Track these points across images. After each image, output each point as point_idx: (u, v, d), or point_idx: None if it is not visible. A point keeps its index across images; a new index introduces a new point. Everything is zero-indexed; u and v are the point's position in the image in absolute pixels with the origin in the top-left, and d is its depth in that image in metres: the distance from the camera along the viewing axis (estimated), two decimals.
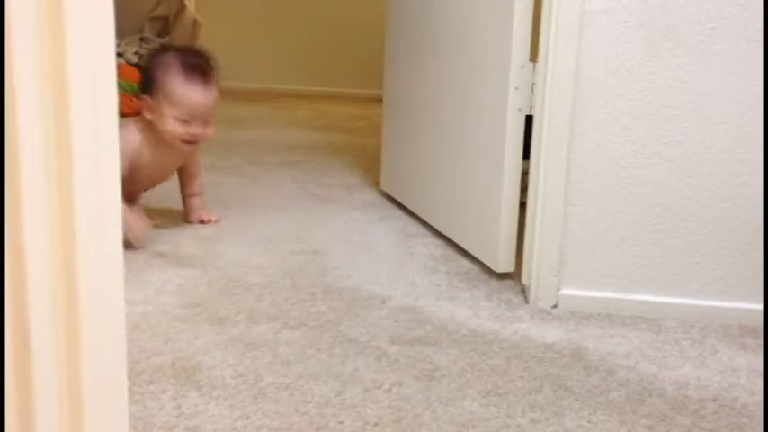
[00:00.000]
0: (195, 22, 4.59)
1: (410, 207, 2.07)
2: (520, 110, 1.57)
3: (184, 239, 1.76)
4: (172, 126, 1.73)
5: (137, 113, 3.62)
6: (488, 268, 1.64)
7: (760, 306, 1.44)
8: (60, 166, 0.53)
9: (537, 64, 1.51)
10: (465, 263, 1.71)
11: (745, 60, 1.39)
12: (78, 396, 0.58)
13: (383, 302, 1.46)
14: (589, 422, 1.06)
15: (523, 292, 1.53)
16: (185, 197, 1.93)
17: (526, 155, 1.56)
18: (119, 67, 3.44)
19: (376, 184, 2.34)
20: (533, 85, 1.53)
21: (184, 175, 1.91)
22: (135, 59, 4.37)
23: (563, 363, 1.24)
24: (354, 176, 2.52)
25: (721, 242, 1.45)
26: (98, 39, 0.54)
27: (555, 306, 1.47)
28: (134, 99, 3.49)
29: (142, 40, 4.51)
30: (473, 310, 1.45)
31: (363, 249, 1.77)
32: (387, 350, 1.25)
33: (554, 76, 1.43)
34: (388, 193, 2.23)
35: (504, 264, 1.61)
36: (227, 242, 1.76)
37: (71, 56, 0.53)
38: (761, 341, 1.37)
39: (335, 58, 4.75)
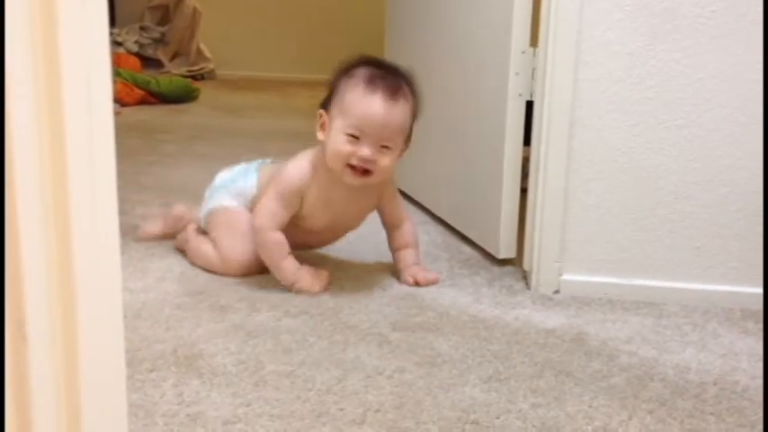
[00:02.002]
0: (195, 11, 4.57)
1: (411, 194, 2.07)
2: (520, 95, 1.56)
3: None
4: (336, 144, 1.34)
5: (137, 103, 3.61)
6: (490, 254, 1.64)
7: (761, 290, 1.44)
8: (54, 154, 0.53)
9: (537, 49, 1.50)
10: (466, 249, 1.71)
11: (745, 43, 1.38)
12: (76, 387, 0.58)
13: (384, 290, 1.45)
14: (590, 407, 1.06)
15: (525, 277, 1.53)
16: (393, 251, 1.53)
17: (527, 141, 1.56)
18: (119, 55, 3.39)
19: None
20: (534, 70, 1.52)
21: (386, 225, 1.54)
22: (135, 48, 4.37)
23: (564, 348, 1.24)
24: None
25: (722, 226, 1.44)
26: (93, 39, 0.54)
27: (556, 292, 1.47)
28: (134, 88, 3.49)
29: (142, 29, 4.51)
30: (474, 296, 1.45)
31: (364, 238, 1.77)
32: (388, 337, 1.25)
33: (554, 61, 1.42)
34: None
35: (506, 250, 1.61)
36: None
37: (65, 55, 0.52)
38: (762, 325, 1.37)
39: (335, 45, 4.73)
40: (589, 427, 1.01)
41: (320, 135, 1.40)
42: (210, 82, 4.45)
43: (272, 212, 1.40)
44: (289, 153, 2.63)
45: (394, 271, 1.54)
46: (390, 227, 1.52)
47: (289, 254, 1.40)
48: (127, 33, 4.42)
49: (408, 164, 2.09)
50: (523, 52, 1.54)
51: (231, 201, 1.52)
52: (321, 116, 1.40)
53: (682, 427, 1.02)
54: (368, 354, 1.18)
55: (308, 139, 2.87)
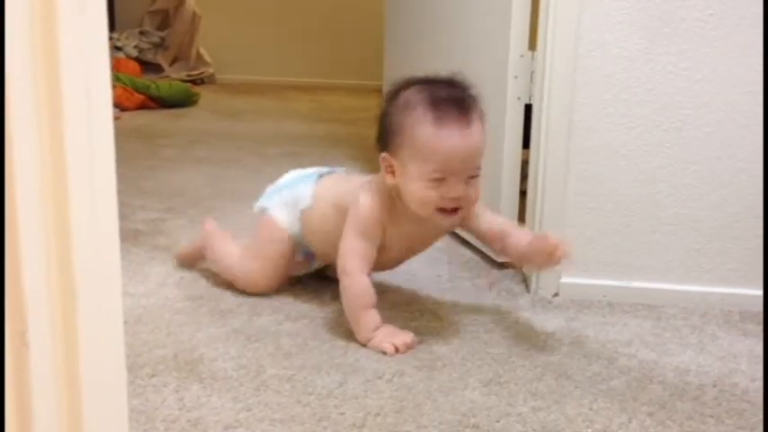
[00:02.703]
0: (195, 15, 4.58)
1: None
2: (519, 99, 1.57)
3: (185, 232, 1.76)
4: (419, 191, 1.19)
5: (137, 107, 3.61)
6: (489, 257, 1.65)
7: (760, 292, 1.44)
8: (54, 159, 0.53)
9: (536, 52, 1.50)
10: (466, 252, 1.71)
11: (743, 47, 1.38)
12: (77, 391, 0.58)
13: (383, 293, 1.46)
14: (590, 410, 1.06)
15: (524, 281, 1.54)
16: (514, 250, 1.32)
17: (526, 144, 1.56)
18: (118, 60, 3.38)
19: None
20: (532, 73, 1.53)
21: (490, 240, 1.35)
22: (134, 53, 4.38)
23: (564, 351, 1.24)
24: (356, 167, 2.52)
25: (721, 228, 1.45)
26: (92, 43, 0.54)
27: (556, 294, 1.47)
28: (134, 93, 3.49)
29: (142, 33, 4.51)
30: (474, 299, 1.45)
31: None
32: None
33: (553, 64, 1.43)
34: None
35: None
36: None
37: (64, 60, 0.53)
38: (761, 327, 1.37)
39: (335, 49, 4.74)
40: (589, 430, 1.01)
41: (390, 180, 1.23)
42: (210, 86, 4.45)
43: (359, 253, 1.25)
44: (290, 156, 2.65)
45: (391, 274, 1.54)
46: (498, 239, 1.31)
47: (372, 306, 1.25)
48: (126, 38, 4.43)
49: None
50: (522, 56, 1.55)
51: (281, 210, 1.42)
52: (385, 160, 1.23)
53: (681, 429, 1.03)
54: (368, 357, 1.18)
55: (307, 143, 2.89)
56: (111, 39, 4.09)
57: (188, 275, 1.50)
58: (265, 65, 4.77)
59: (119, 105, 3.30)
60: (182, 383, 1.08)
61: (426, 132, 1.17)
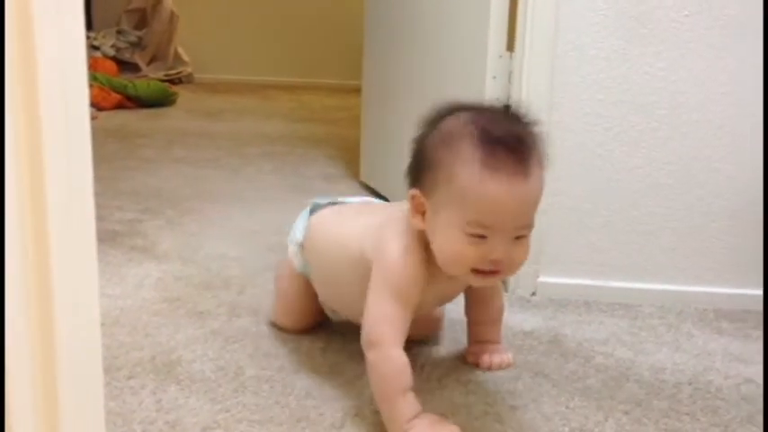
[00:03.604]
0: (173, 14, 4.56)
1: (390, 198, 2.07)
2: (497, 99, 1.57)
3: (163, 233, 1.75)
4: (453, 245, 0.96)
5: (114, 107, 3.58)
6: None
7: (735, 290, 1.46)
8: (30, 159, 0.53)
9: (514, 53, 1.51)
10: None
11: (719, 47, 1.40)
12: (53, 393, 0.58)
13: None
14: (567, 408, 1.07)
15: (503, 280, 1.54)
16: (471, 323, 1.21)
17: None
18: (95, 60, 3.35)
19: (356, 175, 2.34)
20: (510, 74, 1.53)
21: (472, 296, 1.20)
22: (112, 52, 4.34)
23: (541, 350, 1.25)
24: (336, 167, 2.52)
25: (697, 228, 1.46)
26: (69, 43, 0.54)
27: (533, 294, 1.48)
28: (111, 92, 3.47)
29: (119, 32, 4.48)
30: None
31: None
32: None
33: (531, 64, 1.44)
34: (368, 183, 2.23)
35: None
36: (207, 235, 1.76)
37: (40, 59, 0.52)
38: (736, 325, 1.39)
39: (315, 48, 4.73)
40: (566, 428, 1.02)
41: (418, 223, 1.00)
42: (188, 86, 4.43)
43: (392, 321, 1.00)
44: (270, 155, 2.64)
45: None
46: (477, 298, 1.19)
47: (408, 389, 0.99)
48: (104, 37, 4.40)
49: (387, 167, 2.10)
50: (500, 56, 1.55)
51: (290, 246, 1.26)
52: (414, 198, 1.00)
53: (657, 427, 1.04)
54: (348, 359, 1.18)
55: (287, 143, 2.88)
56: (87, 38, 4.06)
57: (165, 277, 1.49)
58: (244, 64, 4.76)
59: (96, 105, 3.28)
60: (159, 385, 1.07)
61: (471, 175, 0.93)
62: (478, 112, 0.99)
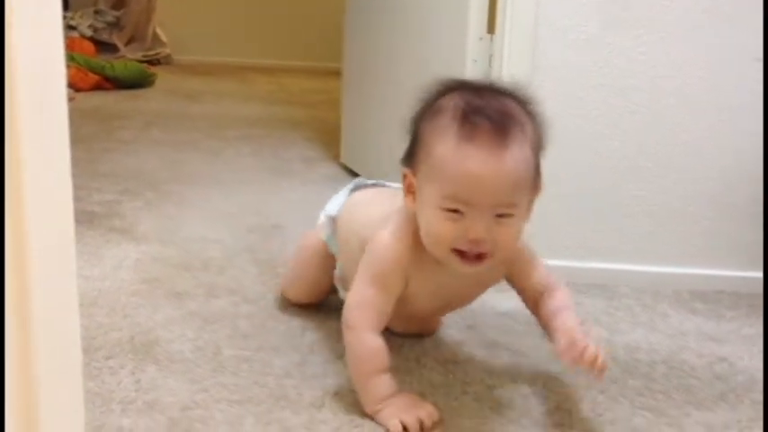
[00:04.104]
0: None
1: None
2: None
3: (141, 215, 1.74)
4: (432, 223, 0.93)
5: (92, 88, 3.54)
6: None
7: (710, 271, 1.48)
8: (8, 140, 0.53)
9: (494, 36, 1.51)
10: None
11: (698, 31, 1.41)
12: (31, 373, 0.58)
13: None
14: (544, 387, 1.08)
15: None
16: (543, 320, 1.05)
17: None
18: (72, 40, 3.31)
19: (336, 157, 2.34)
20: (491, 57, 1.54)
21: (526, 299, 1.08)
22: (89, 33, 4.30)
23: (519, 330, 1.26)
24: (314, 150, 2.51)
25: (674, 210, 1.48)
26: (46, 23, 0.54)
27: None
28: (89, 73, 3.43)
29: (96, 12, 4.43)
30: None
31: None
32: (347, 321, 1.25)
33: (511, 47, 1.44)
34: (349, 166, 2.23)
35: None
36: (186, 217, 1.75)
37: (17, 39, 0.52)
38: (710, 306, 1.41)
39: (295, 31, 4.71)
40: (543, 407, 1.04)
41: (409, 203, 0.98)
42: (167, 67, 4.40)
43: (370, 305, 0.99)
44: (249, 138, 2.63)
45: None
46: (534, 299, 1.06)
47: (383, 371, 0.99)
48: (81, 17, 4.34)
49: (367, 149, 2.10)
50: (481, 39, 1.55)
51: (323, 218, 1.24)
52: (406, 177, 0.98)
53: (632, 405, 1.05)
54: (326, 338, 1.19)
55: (266, 126, 2.87)
56: (64, 18, 4.01)
57: (144, 258, 1.48)
58: (223, 46, 4.72)
59: (73, 86, 3.24)
60: (138, 365, 1.07)
61: (446, 146, 0.90)
62: (470, 87, 0.95)
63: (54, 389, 0.60)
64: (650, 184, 1.47)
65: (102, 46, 4.27)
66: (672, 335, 1.28)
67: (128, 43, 4.43)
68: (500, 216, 0.91)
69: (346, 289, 1.14)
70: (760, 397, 1.09)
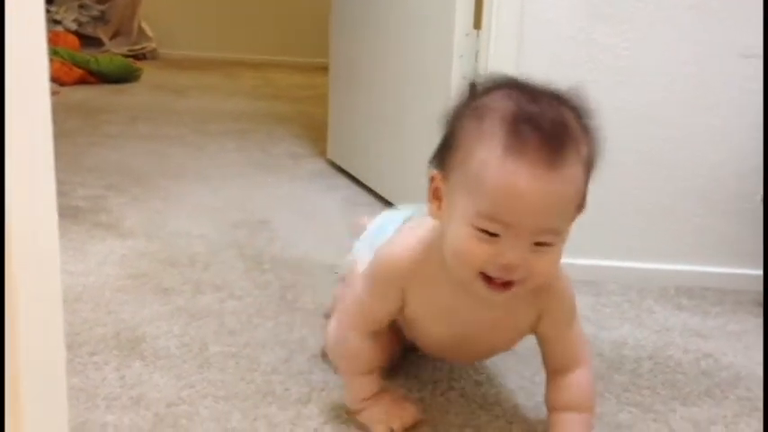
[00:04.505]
0: None
1: (357, 176, 2.07)
2: (464, 77, 1.57)
3: (127, 210, 1.73)
4: (459, 239, 0.80)
5: (76, 82, 3.52)
6: None
7: (696, 268, 1.49)
8: None
9: (481, 31, 1.51)
10: None
11: (681, 27, 1.41)
12: (15, 368, 0.57)
13: (330, 271, 1.46)
14: (532, 383, 1.09)
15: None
16: (549, 407, 0.95)
17: None
18: (57, 34, 3.28)
19: (323, 153, 2.33)
20: (477, 52, 1.54)
21: (546, 363, 0.95)
22: (74, 26, 4.26)
23: None
24: (301, 146, 2.50)
25: (661, 207, 1.48)
26: (29, 16, 0.53)
27: None
28: (73, 67, 3.41)
29: (81, 6, 4.40)
30: None
31: (310, 219, 1.77)
32: None
33: (497, 43, 1.44)
34: (336, 162, 2.23)
35: None
36: (171, 212, 1.74)
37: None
38: (695, 301, 1.42)
39: (281, 25, 4.69)
40: (530, 403, 1.04)
41: (434, 211, 0.85)
42: (153, 62, 4.37)
43: (359, 306, 0.93)
44: (235, 133, 2.62)
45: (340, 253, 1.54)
46: (554, 369, 0.94)
47: (366, 372, 0.95)
48: (65, 11, 4.31)
49: (354, 145, 2.09)
50: (467, 35, 1.55)
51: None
52: (433, 180, 0.85)
53: (618, 400, 1.05)
54: (313, 334, 1.19)
55: (252, 121, 2.86)
56: (49, 12, 3.98)
57: (129, 253, 1.47)
58: (209, 40, 4.70)
59: (57, 80, 3.22)
60: (123, 361, 1.06)
61: (488, 156, 0.77)
62: (521, 88, 0.82)
63: (37, 384, 0.60)
64: (638, 180, 1.47)
65: (87, 40, 4.23)
66: (658, 331, 1.28)
67: (113, 37, 4.40)
68: (539, 244, 0.78)
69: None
70: (745, 393, 1.10)
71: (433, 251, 0.87)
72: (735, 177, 1.46)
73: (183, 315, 1.22)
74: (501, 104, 0.79)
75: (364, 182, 2.03)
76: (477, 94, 0.84)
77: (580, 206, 0.83)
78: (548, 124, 0.77)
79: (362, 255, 1.05)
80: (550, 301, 0.90)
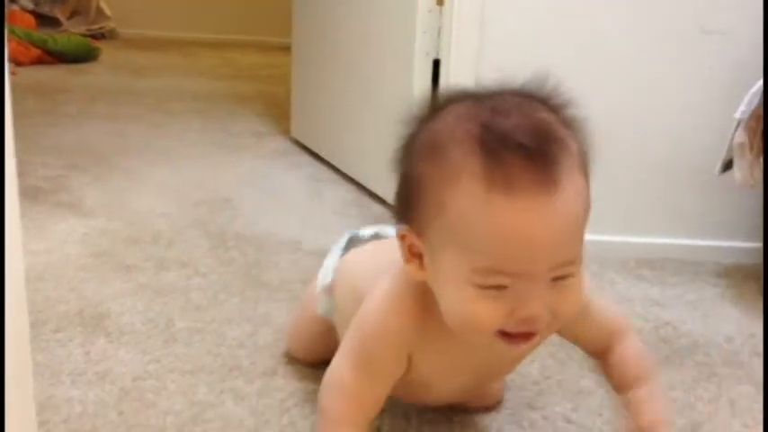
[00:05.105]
0: None
1: (321, 153, 2.07)
2: (427, 54, 1.58)
3: (88, 189, 1.71)
4: (462, 303, 0.66)
5: (33, 62, 3.45)
6: None
7: (653, 240, 1.51)
8: None
9: (444, 8, 1.51)
10: (377, 207, 1.73)
11: (645, 3, 1.43)
12: None
13: (295, 247, 1.46)
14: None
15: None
16: (616, 387, 0.84)
17: None
18: (13, 13, 3.20)
19: (286, 132, 2.32)
20: (440, 29, 1.54)
21: (590, 352, 0.86)
22: (30, 6, 4.17)
23: None
24: (264, 124, 2.49)
25: (618, 181, 1.50)
26: None
27: None
28: (30, 47, 3.34)
29: None
30: None
31: (274, 196, 1.77)
32: (299, 293, 1.25)
33: (460, 19, 1.44)
34: (299, 140, 2.22)
35: None
36: (133, 192, 1.72)
37: None
38: (655, 272, 1.44)
39: (242, 5, 4.64)
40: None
41: (414, 272, 0.70)
42: (111, 41, 4.29)
43: (347, 388, 0.76)
44: (196, 113, 2.59)
45: (304, 227, 1.54)
46: (599, 352, 0.84)
47: None
48: None
49: (318, 123, 2.09)
50: (430, 11, 1.56)
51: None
52: (405, 239, 0.70)
53: (580, 367, 1.07)
54: (278, 309, 1.19)
55: (213, 100, 2.83)
56: None
57: (91, 232, 1.46)
58: (169, 20, 4.63)
59: (14, 60, 3.15)
60: (87, 338, 1.06)
61: (469, 199, 0.62)
62: (480, 99, 0.66)
63: (2, 362, 0.59)
64: (600, 155, 1.49)
65: (44, 19, 4.14)
66: (619, 301, 1.31)
67: (70, 17, 4.31)
68: (558, 278, 0.65)
69: None
70: (702, 358, 1.13)
71: (429, 301, 0.71)
72: (695, 151, 1.48)
73: (147, 292, 1.22)
74: (461, 129, 0.64)
75: (328, 159, 2.02)
76: (426, 120, 0.68)
77: (588, 211, 0.68)
78: (526, 136, 0.62)
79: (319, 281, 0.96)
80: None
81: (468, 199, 0.62)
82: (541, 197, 0.62)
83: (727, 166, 1.37)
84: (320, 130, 2.08)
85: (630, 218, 1.52)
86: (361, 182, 1.85)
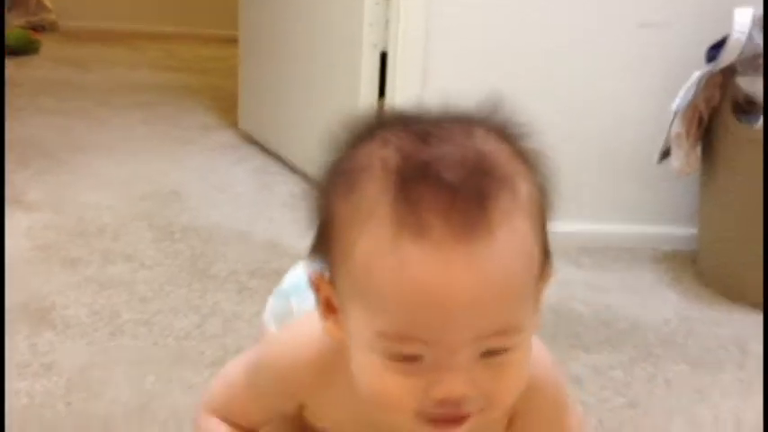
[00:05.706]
0: None
1: (269, 146, 2.07)
2: (375, 46, 1.59)
3: (31, 183, 1.69)
4: (369, 371, 0.51)
5: None
6: None
7: (594, 227, 1.55)
8: None
9: (390, 0, 1.53)
10: None
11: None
12: None
13: (243, 239, 1.46)
14: None
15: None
16: None
17: (382, 92, 1.59)
18: None
19: (233, 124, 2.31)
20: (387, 21, 1.55)
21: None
22: None
23: None
24: (211, 117, 2.48)
25: (561, 171, 1.53)
26: None
27: None
28: None
29: None
30: None
31: (222, 189, 1.76)
32: (247, 284, 1.26)
33: (407, 11, 1.46)
34: (247, 132, 2.21)
35: None
36: (79, 186, 1.70)
37: None
38: (595, 259, 1.49)
39: None
40: None
41: (332, 331, 0.56)
42: (52, 34, 4.21)
43: (231, 391, 0.69)
44: (141, 106, 2.56)
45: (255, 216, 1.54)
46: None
47: None
48: None
49: (266, 116, 2.09)
50: (377, 3, 1.57)
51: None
52: (319, 288, 0.56)
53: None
54: (227, 299, 1.19)
55: (159, 93, 2.80)
56: None
57: (35, 225, 1.44)
58: (111, 11, 4.55)
59: None
60: (33, 330, 1.05)
61: (373, 245, 0.49)
62: (408, 123, 0.53)
63: None
64: (540, 146, 1.52)
65: None
66: (560, 287, 1.34)
67: (9, 9, 4.22)
68: (489, 353, 0.50)
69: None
70: (641, 340, 1.17)
71: (338, 371, 0.58)
72: (633, 141, 1.53)
73: (93, 284, 1.21)
74: (377, 158, 0.51)
75: (275, 151, 2.03)
76: (348, 147, 0.55)
77: (543, 270, 0.55)
78: (450, 169, 0.48)
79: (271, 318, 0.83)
80: (527, 401, 0.59)
81: (373, 244, 0.49)
82: (462, 246, 0.47)
83: (665, 154, 1.42)
84: (268, 123, 2.08)
85: (570, 207, 1.54)
86: (311, 174, 1.85)
